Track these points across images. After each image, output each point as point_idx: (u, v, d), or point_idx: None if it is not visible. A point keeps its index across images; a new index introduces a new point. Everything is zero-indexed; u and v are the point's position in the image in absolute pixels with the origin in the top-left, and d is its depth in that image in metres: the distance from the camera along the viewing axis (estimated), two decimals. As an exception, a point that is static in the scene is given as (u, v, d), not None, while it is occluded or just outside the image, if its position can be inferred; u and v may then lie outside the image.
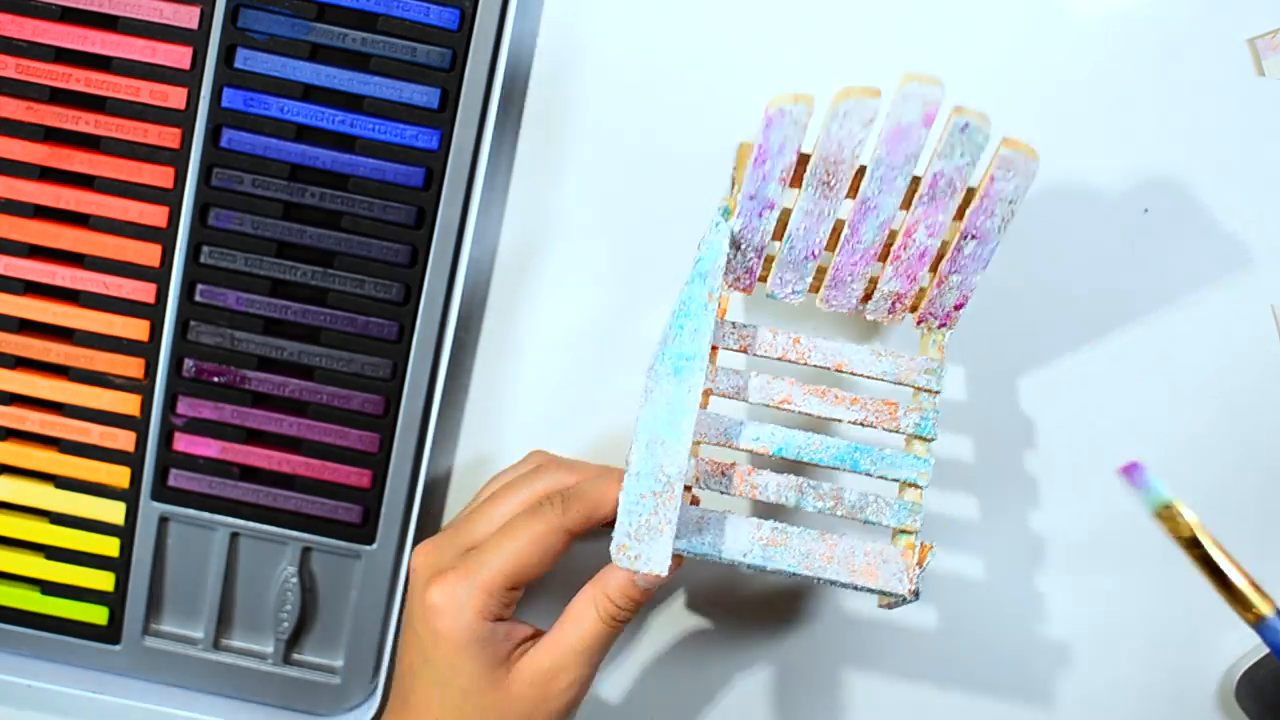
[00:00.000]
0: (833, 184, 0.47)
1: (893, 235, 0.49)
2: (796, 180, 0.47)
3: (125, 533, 0.55)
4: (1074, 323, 0.55)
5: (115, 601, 0.56)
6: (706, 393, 0.49)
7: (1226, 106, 0.54)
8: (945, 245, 0.49)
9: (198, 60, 0.52)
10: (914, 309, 0.51)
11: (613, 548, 0.45)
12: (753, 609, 0.58)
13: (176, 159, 0.53)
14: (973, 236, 0.48)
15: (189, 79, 0.52)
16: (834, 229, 0.49)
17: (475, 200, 0.52)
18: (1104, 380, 0.56)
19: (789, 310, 0.55)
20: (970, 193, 0.47)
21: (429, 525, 0.57)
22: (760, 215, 0.48)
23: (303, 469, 0.55)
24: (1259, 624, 0.43)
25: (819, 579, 0.48)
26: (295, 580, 0.56)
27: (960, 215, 0.48)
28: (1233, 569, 0.43)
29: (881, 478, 0.49)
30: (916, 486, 0.49)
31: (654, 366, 0.47)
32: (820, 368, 0.50)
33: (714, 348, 0.50)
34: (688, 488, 0.48)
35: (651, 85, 0.54)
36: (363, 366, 0.54)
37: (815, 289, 0.51)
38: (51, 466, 0.55)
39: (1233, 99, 0.54)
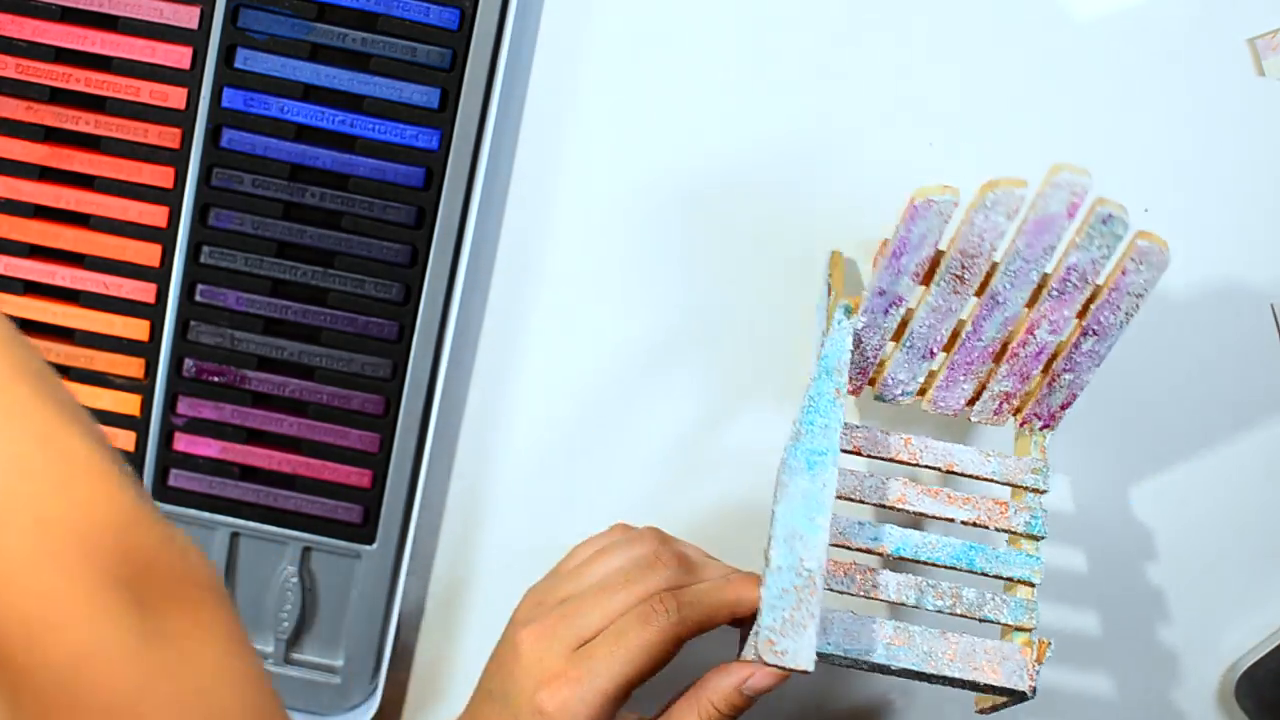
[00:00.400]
0: (965, 279, 0.47)
1: (1010, 334, 0.49)
2: (928, 277, 0.48)
3: (125, 533, 0.55)
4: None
5: (115, 601, 0.56)
6: None
7: (1226, 106, 0.54)
8: (1061, 344, 0.50)
9: (198, 60, 0.52)
10: (1018, 411, 0.52)
11: (759, 644, 0.45)
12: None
13: (176, 159, 0.53)
14: (1093, 333, 0.48)
15: (189, 79, 0.52)
16: (955, 328, 0.49)
17: (475, 200, 0.52)
18: (1102, 380, 0.56)
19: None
20: (1096, 289, 0.48)
21: (429, 525, 0.57)
22: (886, 312, 0.49)
23: (303, 469, 0.55)
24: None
25: (942, 677, 0.48)
26: (295, 580, 0.56)
27: (1084, 312, 0.48)
28: None
29: (996, 576, 0.50)
30: (1029, 584, 0.50)
31: (787, 462, 0.47)
32: (931, 468, 0.51)
33: None
34: None
35: (652, 84, 0.54)
36: (363, 366, 0.54)
37: (923, 391, 0.52)
38: (51, 466, 0.55)
39: (1233, 99, 0.53)
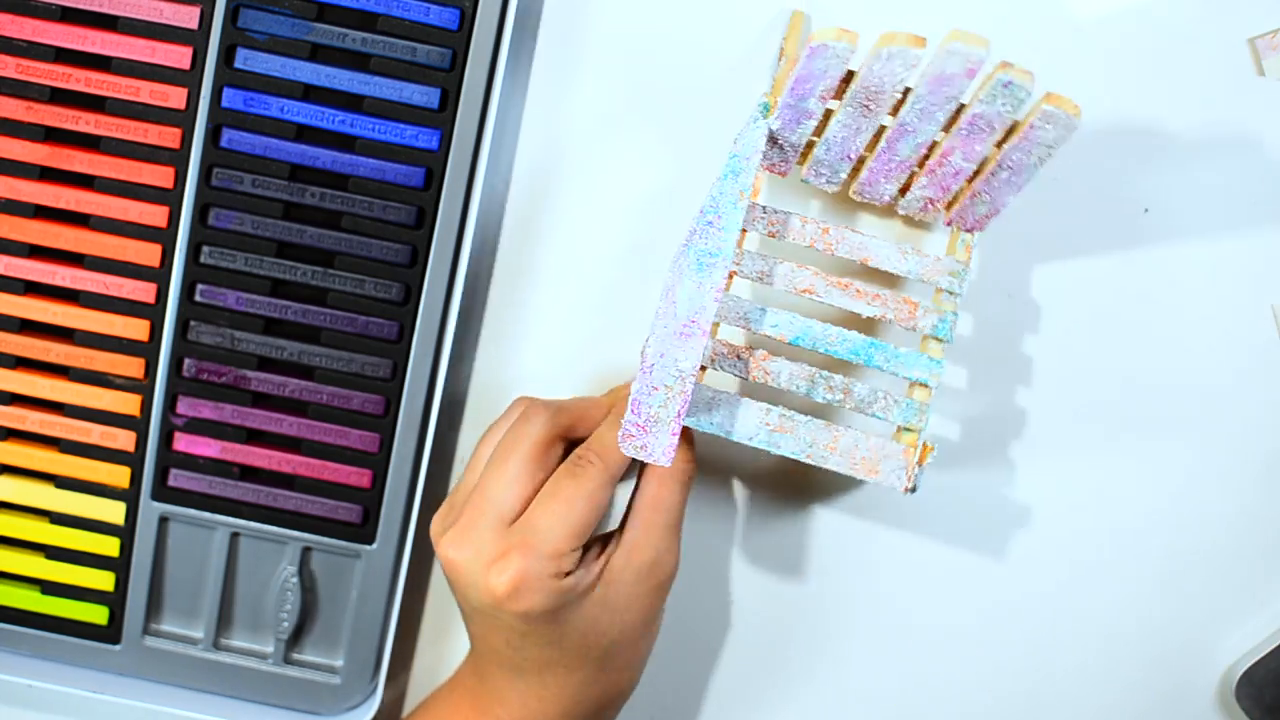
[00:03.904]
0: (872, 108, 0.47)
1: (932, 147, 0.48)
2: (839, 94, 0.48)
3: (125, 533, 0.55)
4: (1074, 323, 0.55)
5: (115, 601, 0.56)
6: (731, 275, 0.50)
7: (1226, 106, 0.54)
8: (978, 171, 0.49)
9: (198, 60, 0.52)
10: (948, 207, 0.51)
11: (620, 435, 0.47)
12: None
13: (176, 159, 0.53)
14: (1008, 168, 0.48)
15: (189, 79, 0.52)
16: (873, 136, 0.49)
17: (475, 201, 0.52)
18: (1103, 380, 0.56)
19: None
20: (1006, 134, 0.47)
21: (429, 525, 0.57)
22: (800, 122, 0.48)
23: (303, 469, 0.55)
24: None
25: (821, 467, 0.50)
26: (295, 580, 0.56)
27: (999, 145, 0.48)
28: None
29: (893, 375, 0.50)
30: (926, 387, 0.50)
31: (677, 260, 0.47)
32: (846, 259, 0.51)
33: (743, 230, 0.50)
34: (702, 368, 0.50)
35: (652, 84, 0.54)
36: (363, 366, 0.54)
37: (850, 181, 0.51)
38: (51, 466, 0.55)
39: (1233, 99, 0.53)
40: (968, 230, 0.52)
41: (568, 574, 0.48)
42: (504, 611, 0.48)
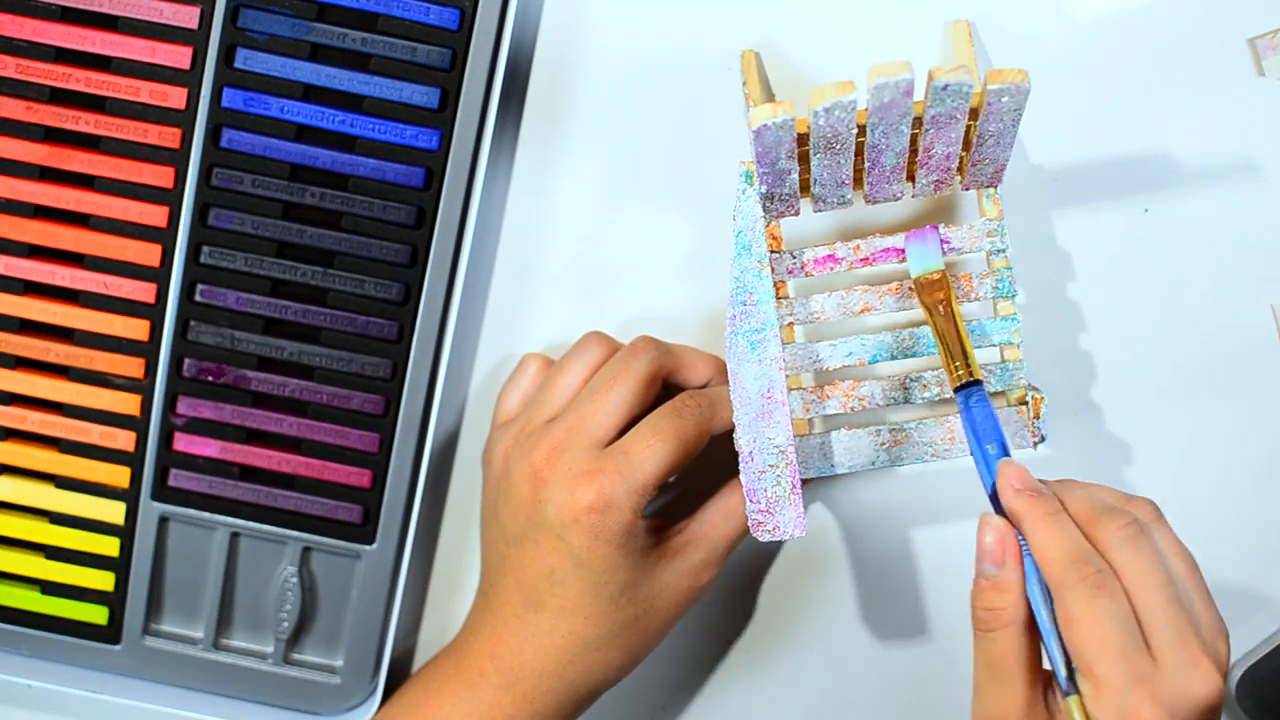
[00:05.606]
0: (837, 148, 0.47)
1: (914, 143, 0.49)
2: (803, 154, 0.48)
3: (125, 533, 0.55)
4: (1073, 323, 0.55)
5: (115, 601, 0.56)
6: (789, 326, 0.51)
7: (1226, 106, 0.54)
8: (964, 150, 0.49)
9: (198, 60, 0.52)
10: (960, 173, 0.52)
11: (750, 526, 0.48)
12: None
13: (176, 159, 0.53)
14: (990, 135, 0.48)
15: (189, 79, 0.52)
16: (855, 166, 0.49)
17: (475, 200, 0.52)
18: (1103, 381, 0.56)
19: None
20: (973, 112, 0.47)
21: (429, 525, 0.57)
22: (783, 180, 0.49)
23: (303, 469, 0.55)
24: (965, 387, 0.47)
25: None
26: (295, 580, 0.56)
27: (971, 128, 0.48)
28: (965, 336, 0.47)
29: (977, 349, 0.50)
30: (1013, 345, 0.51)
31: (730, 349, 0.48)
32: (887, 265, 0.51)
33: (781, 282, 0.51)
34: (800, 421, 0.51)
35: (651, 84, 0.54)
36: (363, 366, 0.54)
37: (858, 191, 0.52)
38: (51, 466, 0.55)
39: (1233, 99, 0.54)
40: (988, 186, 0.52)
41: (643, 516, 0.50)
42: (576, 528, 0.49)
